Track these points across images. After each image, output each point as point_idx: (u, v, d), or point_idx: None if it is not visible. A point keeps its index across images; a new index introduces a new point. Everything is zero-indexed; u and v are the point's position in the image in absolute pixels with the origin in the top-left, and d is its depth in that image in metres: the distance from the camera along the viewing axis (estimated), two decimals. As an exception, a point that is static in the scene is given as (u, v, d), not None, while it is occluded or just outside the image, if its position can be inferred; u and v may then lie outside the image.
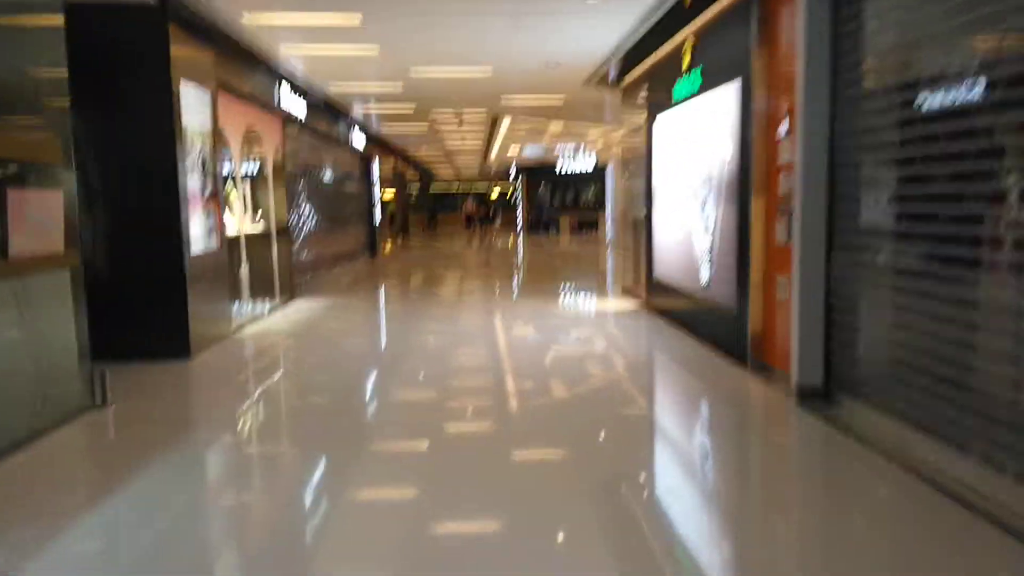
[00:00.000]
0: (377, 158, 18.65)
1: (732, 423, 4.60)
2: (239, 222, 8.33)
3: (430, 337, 7.49)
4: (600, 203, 28.44)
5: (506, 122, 16.14)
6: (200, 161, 6.71)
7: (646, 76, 8.70)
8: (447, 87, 10.66)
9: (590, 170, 27.44)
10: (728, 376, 5.49)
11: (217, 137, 7.11)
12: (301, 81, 10.44)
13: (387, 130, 17.43)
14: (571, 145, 21.10)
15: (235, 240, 7.98)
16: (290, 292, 9.93)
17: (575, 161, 26.96)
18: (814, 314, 4.55)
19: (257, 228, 9.14)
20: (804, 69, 4.50)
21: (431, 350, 6.90)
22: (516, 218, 33.67)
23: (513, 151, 23.06)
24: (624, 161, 12.48)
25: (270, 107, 9.28)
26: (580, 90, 10.77)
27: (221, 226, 7.13)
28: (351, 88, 10.74)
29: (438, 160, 28.28)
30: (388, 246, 21.39)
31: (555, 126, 16.33)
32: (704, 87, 6.60)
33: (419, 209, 35.01)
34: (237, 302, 7.85)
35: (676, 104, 7.45)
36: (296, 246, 10.47)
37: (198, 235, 6.57)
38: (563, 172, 28.43)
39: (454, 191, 44.55)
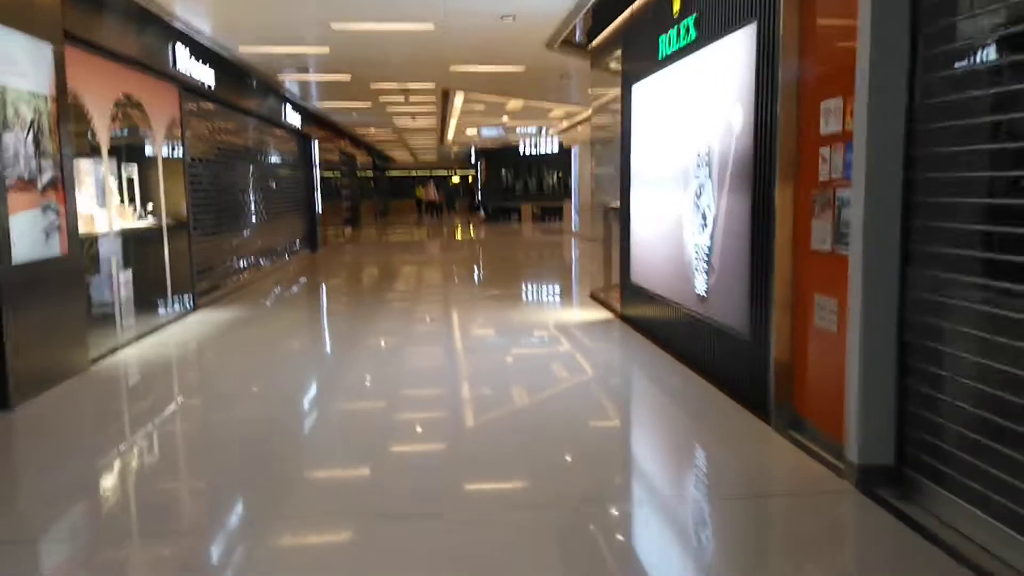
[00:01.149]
0: (317, 139, 16.82)
1: (763, 523, 3.11)
2: (112, 215, 6.59)
3: (354, 370, 5.90)
4: (565, 189, 26.96)
5: (459, 100, 14.50)
6: (31, 137, 4.98)
7: (621, 35, 7.16)
8: (382, 50, 8.98)
9: (554, 152, 25.90)
10: (744, 433, 4.01)
11: (65, 106, 5.37)
12: (209, 42, 8.65)
13: (328, 107, 15.63)
14: (532, 127, 19.53)
15: (103, 239, 6.25)
16: (191, 301, 8.21)
17: (537, 144, 25.41)
18: (883, 357, 3.09)
19: (144, 223, 7.40)
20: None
21: (351, 390, 5.31)
22: (476, 204, 32.01)
23: (472, 133, 21.40)
24: (593, 143, 10.97)
25: (161, 72, 7.51)
26: (542, 56, 9.20)
27: (69, 224, 5.40)
28: (266, 50, 8.98)
29: (391, 143, 26.46)
30: (346, 234, 19.68)
31: (514, 104, 14.74)
32: (700, 40, 5.08)
33: (373, 196, 33.08)
34: (104, 320, 6.14)
35: (661, 65, 5.93)
36: (201, 243, 8.72)
37: (26, 237, 4.86)
38: (524, 155, 26.84)
39: (412, 176, 42.69)
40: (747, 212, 4.30)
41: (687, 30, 5.32)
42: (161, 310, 7.44)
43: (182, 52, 7.94)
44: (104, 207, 6.45)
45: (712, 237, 4.90)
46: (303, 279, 12.20)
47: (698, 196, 5.15)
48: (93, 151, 6.24)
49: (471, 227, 26.67)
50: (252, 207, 11.58)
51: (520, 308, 8.48)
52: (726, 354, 4.70)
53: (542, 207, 27.55)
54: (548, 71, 10.52)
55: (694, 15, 5.18)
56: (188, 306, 8.13)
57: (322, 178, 18.01)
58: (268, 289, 10.61)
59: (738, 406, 4.36)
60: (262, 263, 12.00)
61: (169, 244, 7.71)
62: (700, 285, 5.14)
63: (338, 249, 17.51)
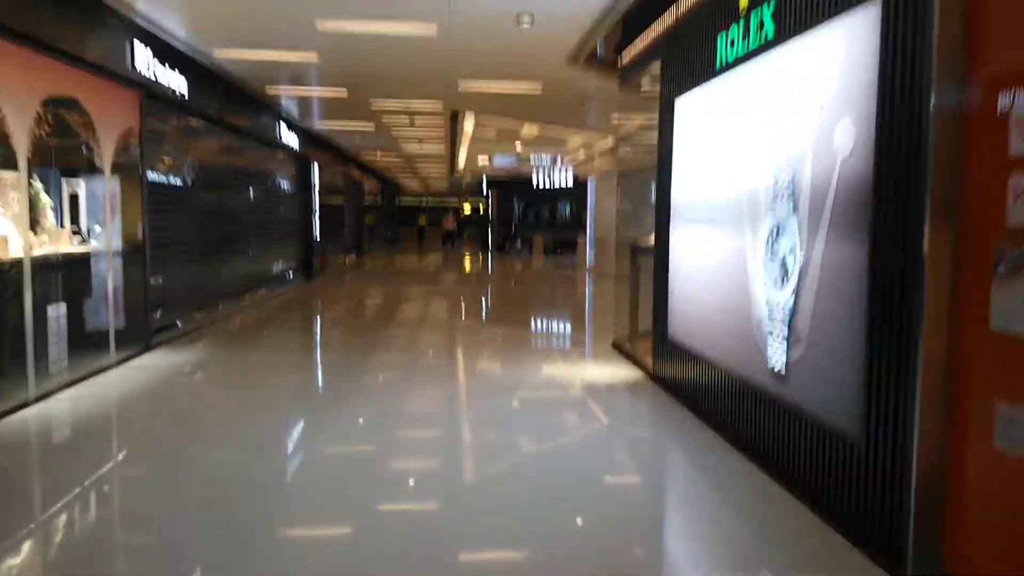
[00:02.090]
0: (317, 163, 15.74)
1: None
2: (36, 238, 5.39)
3: (327, 446, 4.62)
4: (578, 222, 25.79)
5: (470, 125, 13.39)
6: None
7: (661, 41, 5.98)
8: (379, 59, 7.85)
9: (568, 185, 24.78)
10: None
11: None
12: (181, 44, 7.55)
13: (330, 129, 14.56)
14: (547, 156, 18.43)
15: (15, 267, 5.03)
16: (142, 340, 6.97)
17: (551, 175, 24.35)
18: None
19: (86, 248, 6.20)
20: None
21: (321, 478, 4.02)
22: (486, 235, 30.88)
23: (484, 163, 20.33)
24: (619, 172, 9.80)
25: (113, 72, 6.37)
26: (562, 74, 8.05)
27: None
28: (245, 55, 7.86)
29: (400, 170, 25.44)
30: (344, 261, 18.49)
31: (529, 130, 13.62)
32: (781, 35, 3.87)
33: (381, 223, 32.08)
34: (15, 366, 4.90)
35: (718, 72, 4.72)
36: (162, 272, 7.52)
37: None
38: (538, 187, 25.75)
39: (422, 205, 41.76)
40: (861, 264, 3.03)
41: (760, 26, 4.11)
42: (103, 351, 6.20)
43: (143, 52, 6.82)
44: (28, 227, 5.25)
45: (798, 294, 3.62)
46: (290, 312, 10.97)
47: (774, 238, 3.89)
48: (5, 161, 5.05)
49: (480, 258, 25.48)
50: (233, 232, 10.40)
51: (530, 359, 7.19)
52: (817, 456, 3.38)
53: (554, 240, 26.35)
54: (568, 92, 9.37)
55: (770, 5, 3.97)
56: (140, 346, 6.89)
57: (323, 203, 16.91)
58: (246, 324, 9.37)
59: (837, 536, 3.05)
60: (244, 294, 10.78)
61: (116, 273, 6.49)
62: (776, 356, 3.85)
63: (337, 278, 16.30)
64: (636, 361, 6.78)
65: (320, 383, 6.35)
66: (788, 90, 3.78)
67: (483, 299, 13.64)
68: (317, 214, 15.83)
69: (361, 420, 5.06)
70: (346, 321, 10.65)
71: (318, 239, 15.93)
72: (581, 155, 18.06)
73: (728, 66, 4.56)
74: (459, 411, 5.33)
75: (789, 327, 3.71)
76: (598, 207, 18.00)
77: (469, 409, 5.39)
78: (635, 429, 5.06)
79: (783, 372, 3.77)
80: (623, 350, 7.34)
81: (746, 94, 4.32)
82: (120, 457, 4.32)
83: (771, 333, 3.91)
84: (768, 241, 3.96)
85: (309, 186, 15.43)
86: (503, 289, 15.91)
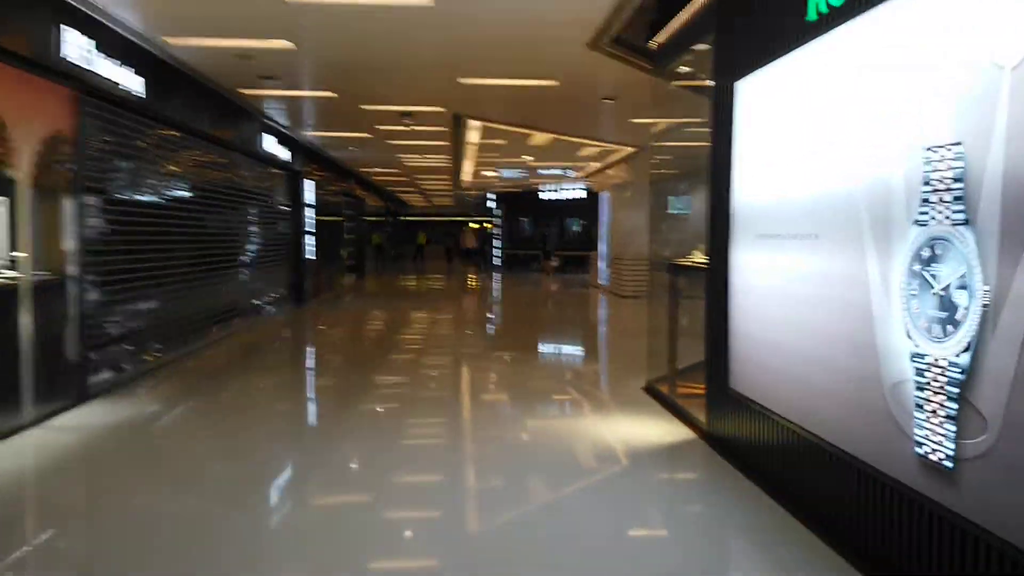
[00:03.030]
0: (310, 178, 14.56)
1: None
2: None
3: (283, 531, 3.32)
4: (589, 238, 24.56)
5: (475, 136, 12.19)
6: None
7: (709, 18, 4.74)
8: (365, 47, 6.65)
9: (579, 198, 23.57)
10: None
11: None
12: (132, 34, 6.37)
13: (321, 139, 13.40)
14: (557, 169, 17.22)
15: None
16: (72, 390, 5.70)
17: (559, 189, 23.17)
18: None
19: (-6, 278, 4.97)
20: None
21: None
22: (491, 254, 29.66)
23: (491, 175, 19.13)
24: (652, 177, 8.56)
25: (31, 63, 5.17)
26: (582, 63, 6.82)
27: None
28: (204, 43, 6.67)
29: (402, 185, 24.32)
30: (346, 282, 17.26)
31: (540, 139, 12.41)
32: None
33: (383, 241, 30.93)
34: None
35: (809, 34, 3.46)
36: (101, 305, 6.28)
37: None
38: (545, 201, 24.54)
39: (424, 221, 40.66)
40: None
41: (883, -47, 2.85)
42: (13, 408, 4.95)
43: (77, 40, 5.62)
44: None
45: (980, 350, 2.33)
46: (267, 349, 9.72)
47: (924, 262, 2.60)
48: None
49: (490, 278, 24.24)
50: (203, 256, 9.18)
51: (547, 410, 5.89)
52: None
53: (564, 257, 25.09)
54: (588, 87, 8.14)
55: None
56: (70, 398, 5.63)
57: (320, 222, 15.72)
58: (212, 365, 8.11)
59: None
60: (214, 327, 9.54)
61: (37, 307, 5.25)
62: (934, 441, 2.54)
63: (331, 303, 15.07)
64: (678, 412, 5.47)
65: (294, 455, 5.06)
66: (946, 32, 2.51)
67: (488, 326, 12.36)
68: (310, 234, 14.63)
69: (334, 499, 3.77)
70: (333, 360, 9.39)
71: (311, 261, 14.72)
72: (595, 166, 16.83)
73: (826, 21, 3.31)
74: (462, 501, 4.02)
75: (961, 398, 2.41)
76: (613, 221, 16.75)
77: (474, 502, 4.08)
78: (698, 529, 3.73)
79: (949, 466, 2.47)
80: (659, 395, 6.03)
81: (863, 61, 3.06)
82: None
83: (921, 406, 2.60)
84: (911, 266, 2.67)
85: (301, 203, 14.23)
86: (513, 313, 14.64)
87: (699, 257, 5.91)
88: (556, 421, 5.51)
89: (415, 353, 8.93)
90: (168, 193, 8.09)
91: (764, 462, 3.99)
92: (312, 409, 6.19)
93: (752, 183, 4.20)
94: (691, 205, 15.41)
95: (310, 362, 8.79)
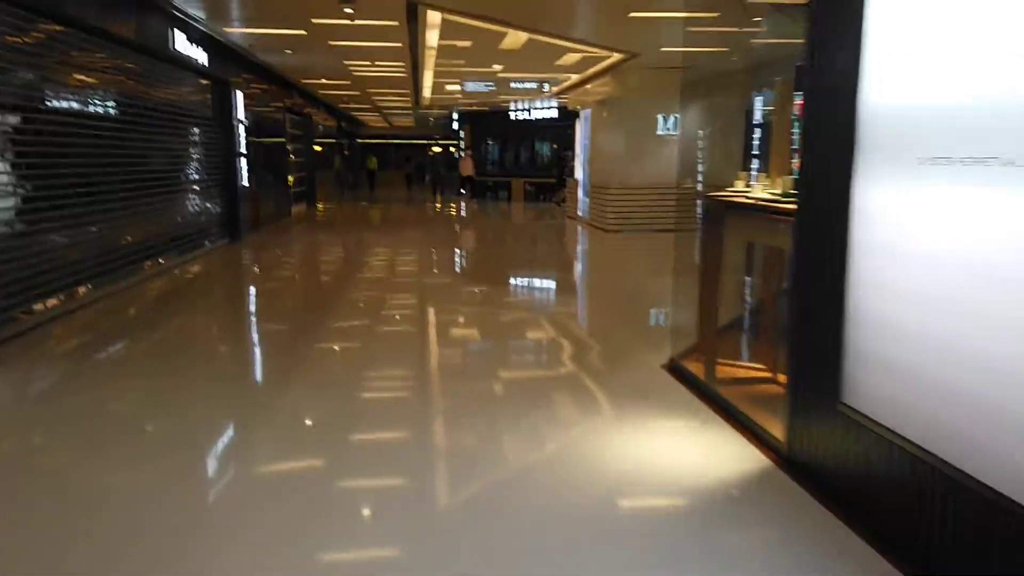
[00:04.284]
0: (241, 90, 12.27)
1: None
2: None
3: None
4: (562, 164, 22.58)
5: (434, 35, 10.04)
6: None
7: None
8: None
9: (552, 117, 21.45)
10: None
11: None
12: None
13: (249, 37, 11.08)
14: (531, 82, 15.10)
15: None
16: None
17: (531, 109, 21.01)
18: None
19: None
20: None
21: None
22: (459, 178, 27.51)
23: (454, 89, 16.90)
24: (683, 77, 6.73)
25: None
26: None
27: None
28: None
29: (356, 101, 21.84)
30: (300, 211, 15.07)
31: (513, 39, 10.31)
32: None
33: (338, 165, 28.40)
34: None
35: None
36: None
37: None
38: (516, 120, 22.37)
39: (391, 143, 38.00)
40: None
41: None
42: None
43: None
44: None
45: None
46: (190, 294, 7.82)
47: None
48: None
49: (452, 206, 22.25)
50: (101, 182, 7.17)
51: (538, 412, 4.20)
52: None
53: (536, 184, 23.14)
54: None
55: None
56: None
57: (258, 143, 13.51)
58: (120, 317, 6.25)
59: None
60: (125, 268, 7.62)
61: None
62: None
63: (273, 236, 13.07)
64: (725, 409, 3.84)
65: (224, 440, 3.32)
66: None
67: (456, 268, 10.56)
68: (244, 156, 12.45)
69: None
70: (269, 300, 7.54)
71: (247, 188, 12.60)
72: (574, 78, 14.74)
73: None
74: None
75: None
76: (594, 144, 14.83)
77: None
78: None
79: None
80: (689, 379, 4.37)
81: None
82: None
83: None
84: None
85: (231, 120, 12.00)
86: (481, 252, 12.85)
87: (749, 189, 4.16)
88: (546, 434, 3.82)
89: (363, 298, 7.14)
90: (54, 104, 6.09)
91: (913, 528, 2.37)
92: (244, 360, 4.42)
93: (908, 73, 2.41)
94: (678, 127, 13.59)
95: (244, 302, 6.98)
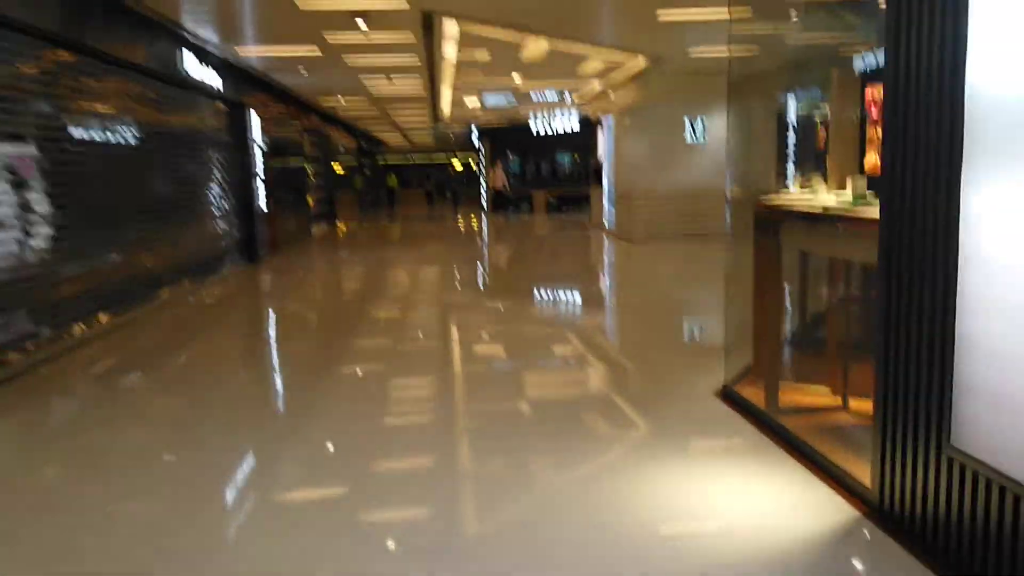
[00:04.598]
0: (256, 111, 12.07)
1: None
2: None
3: None
4: (586, 173, 22.17)
5: (451, 48, 9.73)
6: None
7: None
8: None
9: (574, 131, 21.09)
10: None
11: None
12: None
13: (263, 59, 10.88)
14: (552, 92, 14.74)
15: None
16: None
17: (551, 121, 20.66)
18: None
19: None
20: None
21: None
22: (479, 195, 27.24)
23: (473, 105, 16.61)
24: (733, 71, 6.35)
25: None
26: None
27: None
28: None
29: (374, 120, 21.67)
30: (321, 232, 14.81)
31: (534, 49, 9.95)
32: None
33: (359, 186, 28.28)
34: None
35: None
36: None
37: None
38: (536, 134, 22.03)
39: (412, 164, 37.89)
40: None
41: None
42: None
43: None
44: None
45: None
46: (206, 324, 7.51)
47: None
48: None
49: (474, 221, 21.93)
50: (113, 208, 6.93)
51: (564, 445, 3.78)
52: None
53: (559, 195, 22.74)
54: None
55: None
56: None
57: (276, 165, 13.31)
58: (129, 349, 5.95)
59: None
60: (139, 296, 7.36)
61: None
62: None
63: (294, 259, 12.80)
64: (794, 445, 3.37)
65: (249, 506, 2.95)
66: None
67: (479, 280, 10.17)
68: (262, 178, 12.23)
69: None
70: (287, 333, 7.20)
71: (265, 210, 12.36)
72: (597, 86, 14.36)
73: None
74: None
75: None
76: (618, 152, 14.41)
77: None
78: None
79: None
80: (749, 409, 3.91)
81: None
82: None
83: None
84: None
85: (247, 142, 11.79)
86: (505, 266, 12.47)
87: (807, 195, 3.71)
88: (587, 473, 3.38)
89: (387, 328, 6.76)
90: (59, 130, 5.92)
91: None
92: (270, 401, 4.05)
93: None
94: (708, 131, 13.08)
95: (239, 339, 6.64)
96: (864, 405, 3.70)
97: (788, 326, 4.33)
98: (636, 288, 9.12)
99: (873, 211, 2.70)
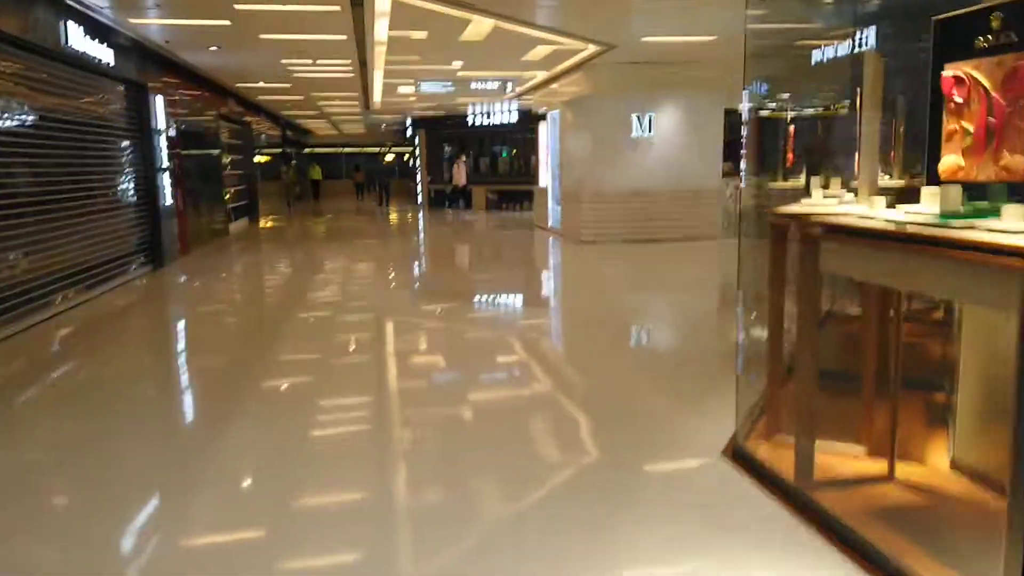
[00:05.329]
0: (161, 94, 10.64)
1: None
2: None
3: None
4: (527, 169, 21.31)
5: (382, 25, 8.62)
6: None
7: None
8: None
9: (512, 123, 20.17)
10: None
11: None
12: None
13: (169, 38, 9.50)
14: (494, 81, 13.73)
15: None
16: None
17: (491, 113, 19.67)
18: None
19: None
20: None
21: None
22: (415, 188, 26.04)
23: (407, 92, 15.46)
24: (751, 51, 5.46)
25: None
26: None
27: None
28: None
29: (300, 107, 20.20)
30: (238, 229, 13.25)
31: (476, 29, 8.94)
32: None
33: (284, 177, 26.55)
34: None
35: None
36: None
37: None
38: (474, 126, 21.01)
39: (344, 153, 36.17)
40: None
41: None
42: None
43: None
44: None
45: None
46: (99, 334, 6.20)
47: None
48: None
49: (410, 217, 20.76)
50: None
51: (545, 550, 2.86)
52: None
53: (499, 192, 21.78)
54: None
55: None
56: None
57: (184, 155, 11.87)
58: (22, 365, 4.71)
59: None
60: (21, 308, 6.03)
61: None
62: None
63: (206, 260, 11.42)
64: (836, 530, 2.53)
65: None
66: None
67: (416, 288, 9.11)
68: (168, 171, 10.80)
69: None
70: (195, 347, 5.99)
71: (171, 207, 10.95)
72: (540, 76, 13.44)
73: None
74: None
75: None
76: (564, 148, 13.55)
77: None
78: None
79: None
80: (770, 478, 3.05)
81: None
82: None
83: None
84: None
85: (149, 130, 10.36)
86: (446, 276, 11.46)
87: (835, 201, 2.87)
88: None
89: (304, 346, 5.65)
90: None
91: None
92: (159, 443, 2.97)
93: None
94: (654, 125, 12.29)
95: (136, 355, 5.43)
96: (916, 473, 2.91)
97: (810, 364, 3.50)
98: (599, 299, 8.25)
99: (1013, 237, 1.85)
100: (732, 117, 12.63)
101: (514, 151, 23.27)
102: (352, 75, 12.84)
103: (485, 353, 5.67)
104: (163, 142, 10.72)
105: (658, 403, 4.31)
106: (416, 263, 12.03)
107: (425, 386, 4.85)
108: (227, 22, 8.15)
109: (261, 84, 14.33)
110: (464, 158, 21.56)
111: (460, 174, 21.11)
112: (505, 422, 4.07)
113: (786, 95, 5.40)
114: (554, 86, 13.89)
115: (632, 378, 4.90)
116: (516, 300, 8.35)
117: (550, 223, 14.62)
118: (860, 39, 3.64)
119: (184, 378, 5.37)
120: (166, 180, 10.75)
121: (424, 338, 6.33)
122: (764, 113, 6.42)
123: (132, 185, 9.87)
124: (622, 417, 4.10)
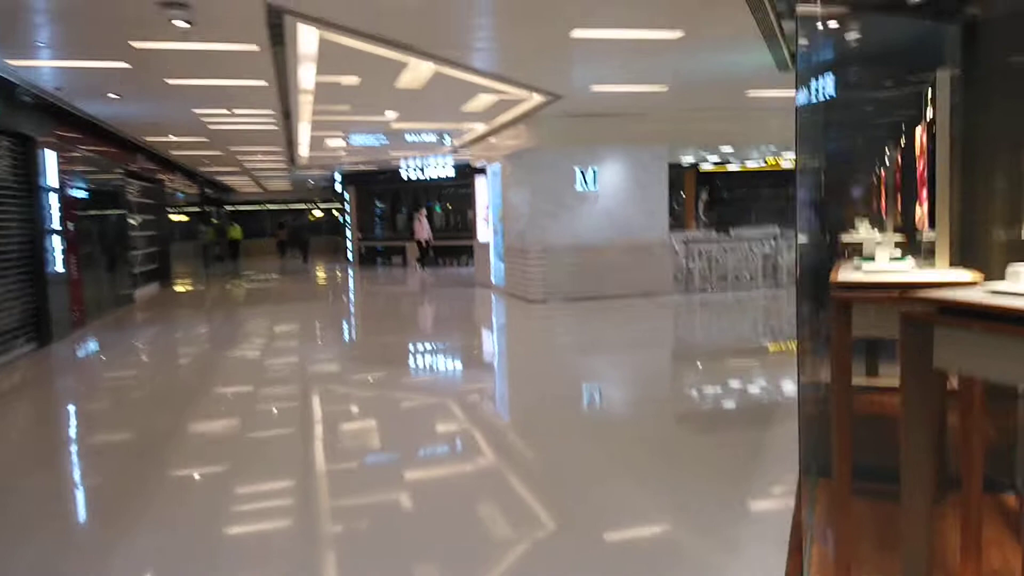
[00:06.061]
0: (55, 149, 9.38)
1: None
2: None
3: None
4: (464, 224, 20.58)
5: (308, 69, 7.75)
6: None
7: None
8: None
9: (449, 177, 19.49)
10: None
11: None
12: None
13: (61, 84, 8.34)
14: (432, 133, 12.97)
15: None
16: None
17: (425, 166, 18.94)
18: None
19: None
20: None
21: None
22: (344, 246, 24.88)
23: (337, 145, 14.54)
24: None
25: None
26: None
27: None
28: None
29: (220, 164, 18.95)
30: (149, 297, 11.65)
31: (415, 75, 8.16)
32: None
33: (202, 237, 24.96)
34: None
35: None
36: None
37: None
38: (408, 180, 20.20)
39: (267, 210, 34.64)
40: None
41: None
42: None
43: None
44: None
45: None
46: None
47: None
48: None
49: (338, 275, 19.56)
50: None
51: None
52: None
53: (435, 247, 20.89)
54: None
55: None
56: None
57: (83, 216, 10.55)
58: None
59: None
60: None
61: None
62: None
63: (102, 333, 9.99)
64: None
65: None
66: None
67: (352, 366, 8.02)
68: (59, 233, 9.46)
69: None
70: (87, 438, 4.72)
71: (63, 274, 9.56)
72: (481, 128, 12.77)
73: None
74: None
75: None
76: (508, 203, 12.83)
77: None
78: None
79: None
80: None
81: None
82: None
83: None
84: None
85: (37, 188, 9.06)
86: (380, 350, 10.39)
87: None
88: None
89: (209, 453, 4.49)
90: None
91: None
92: None
93: None
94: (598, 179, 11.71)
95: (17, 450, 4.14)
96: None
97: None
98: (565, 369, 7.36)
99: None
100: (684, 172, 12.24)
101: (448, 205, 22.51)
102: (275, 127, 11.85)
103: (455, 460, 4.66)
104: (54, 202, 9.41)
105: (670, 525, 3.41)
106: (343, 333, 10.91)
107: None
108: (126, 64, 7.10)
109: (172, 138, 13.12)
110: (424, 211, 20.17)
111: (421, 228, 19.51)
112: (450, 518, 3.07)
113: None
114: (493, 140, 13.26)
115: (633, 492, 3.99)
116: (476, 372, 7.39)
117: (493, 280, 13.78)
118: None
119: (74, 474, 4.15)
120: (56, 243, 9.40)
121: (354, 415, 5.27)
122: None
123: (15, 249, 8.52)
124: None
